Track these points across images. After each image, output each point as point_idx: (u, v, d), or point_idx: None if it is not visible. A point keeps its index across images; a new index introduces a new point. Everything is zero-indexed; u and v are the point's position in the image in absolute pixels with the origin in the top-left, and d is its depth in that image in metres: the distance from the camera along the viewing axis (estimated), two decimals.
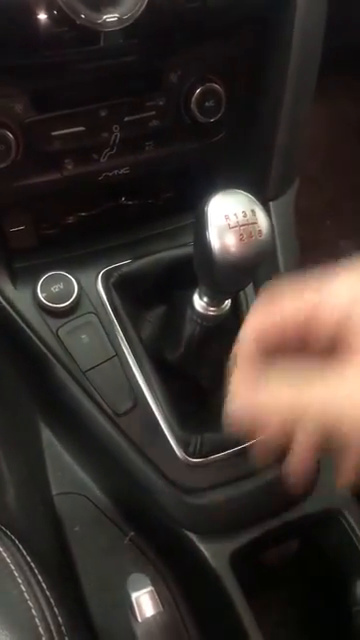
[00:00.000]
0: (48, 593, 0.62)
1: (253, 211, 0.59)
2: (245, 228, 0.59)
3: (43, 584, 0.62)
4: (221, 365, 0.79)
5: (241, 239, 0.59)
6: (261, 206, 0.61)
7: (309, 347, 0.46)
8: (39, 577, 0.62)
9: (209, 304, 0.72)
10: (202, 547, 0.76)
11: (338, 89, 1.71)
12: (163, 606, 0.65)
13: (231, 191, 0.61)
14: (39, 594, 0.61)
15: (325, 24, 0.80)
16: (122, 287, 0.82)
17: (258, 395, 0.45)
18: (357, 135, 1.83)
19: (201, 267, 0.64)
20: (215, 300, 0.72)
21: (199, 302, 0.72)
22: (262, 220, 0.59)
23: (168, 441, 0.77)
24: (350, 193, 1.77)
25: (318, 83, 0.83)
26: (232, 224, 0.59)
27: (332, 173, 1.77)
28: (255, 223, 0.59)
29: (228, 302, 0.73)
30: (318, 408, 0.42)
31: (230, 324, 0.76)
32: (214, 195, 0.61)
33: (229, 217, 0.59)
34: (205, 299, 0.72)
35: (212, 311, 0.72)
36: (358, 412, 0.40)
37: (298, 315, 0.45)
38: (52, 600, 0.61)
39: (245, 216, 0.59)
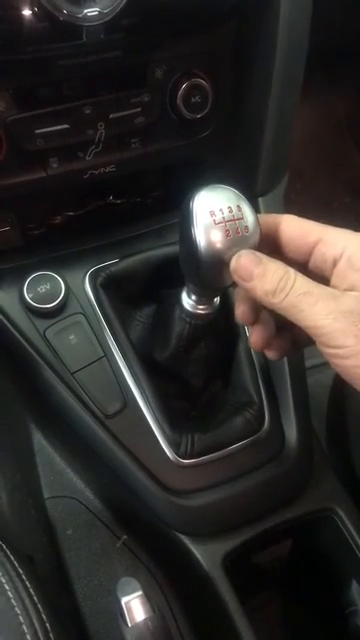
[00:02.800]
0: (36, 599, 0.60)
1: (239, 206, 0.58)
2: (231, 224, 0.58)
3: (31, 590, 0.61)
4: (211, 363, 0.79)
5: (227, 235, 0.58)
6: (247, 201, 0.59)
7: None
8: (27, 583, 0.61)
9: (197, 302, 0.71)
10: (194, 549, 0.75)
11: (325, 86, 1.71)
12: (154, 610, 0.64)
13: (217, 186, 0.60)
14: (27, 601, 0.60)
15: (311, 19, 0.79)
16: (110, 286, 0.81)
17: (265, 259, 0.56)
18: (347, 130, 1.83)
19: (187, 264, 0.63)
20: (203, 298, 0.71)
21: (187, 300, 0.72)
22: (248, 215, 0.58)
23: (158, 442, 0.76)
24: (341, 189, 1.77)
25: (306, 81, 0.82)
26: (218, 220, 0.58)
27: (323, 170, 1.77)
28: (241, 219, 0.58)
29: (217, 299, 0.72)
30: (299, 301, 0.53)
31: (219, 322, 0.75)
32: (199, 191, 0.59)
33: (215, 213, 0.58)
34: (193, 297, 0.71)
35: (201, 309, 0.72)
36: (327, 331, 0.52)
37: (302, 237, 0.58)
38: (40, 607, 0.60)
39: (231, 212, 0.58)
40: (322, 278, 0.57)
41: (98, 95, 0.74)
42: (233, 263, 0.57)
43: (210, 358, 0.77)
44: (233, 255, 0.58)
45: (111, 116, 0.75)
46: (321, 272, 0.57)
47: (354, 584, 0.81)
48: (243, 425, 0.77)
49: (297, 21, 0.76)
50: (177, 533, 0.76)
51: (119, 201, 0.90)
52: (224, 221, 0.58)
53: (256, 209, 0.87)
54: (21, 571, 0.63)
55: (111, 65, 0.72)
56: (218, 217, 0.58)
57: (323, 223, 0.59)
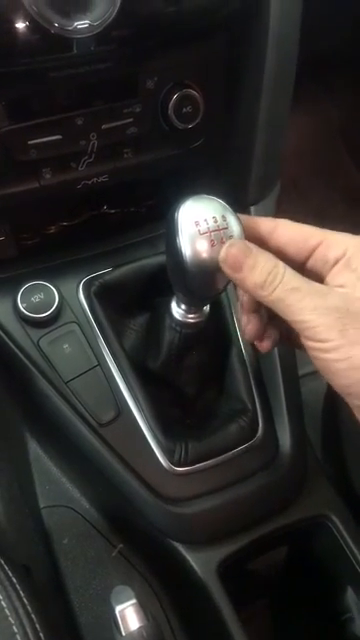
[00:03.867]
0: (30, 609, 0.60)
1: (224, 216, 0.59)
2: (216, 234, 0.58)
3: (25, 600, 0.61)
4: (203, 371, 0.79)
5: (212, 245, 0.58)
6: (233, 211, 0.60)
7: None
8: (21, 593, 0.61)
9: (187, 311, 0.72)
10: (189, 557, 0.75)
11: (320, 95, 1.72)
12: (149, 618, 0.64)
13: (202, 197, 0.60)
14: (21, 611, 0.60)
15: (300, 29, 0.80)
16: (104, 295, 0.82)
17: (256, 250, 0.57)
18: (341, 139, 1.84)
19: (174, 274, 0.63)
20: (192, 307, 0.71)
21: (177, 309, 0.72)
22: (233, 225, 0.59)
23: (152, 450, 0.76)
24: (336, 198, 1.77)
25: (300, 90, 0.83)
26: (203, 230, 0.58)
27: (318, 178, 1.78)
28: (226, 228, 0.58)
29: (207, 308, 0.72)
30: (287, 295, 0.54)
31: (210, 330, 0.76)
32: (184, 201, 0.60)
33: (199, 223, 0.58)
34: (183, 306, 0.71)
35: (190, 318, 0.72)
36: (313, 324, 0.53)
37: (303, 240, 0.59)
38: (34, 616, 0.60)
39: (216, 222, 0.58)
40: (318, 277, 0.58)
41: (90, 106, 0.74)
42: (223, 252, 0.58)
43: (202, 366, 0.78)
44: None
45: (103, 127, 0.75)
46: (319, 272, 0.58)
47: (349, 591, 0.81)
48: (237, 432, 0.77)
49: (286, 32, 0.77)
50: (172, 541, 0.76)
51: (113, 211, 0.91)
52: (209, 231, 0.58)
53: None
54: (15, 580, 0.63)
55: (103, 76, 0.73)
56: (203, 227, 0.58)
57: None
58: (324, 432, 0.94)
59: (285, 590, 0.89)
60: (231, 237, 0.58)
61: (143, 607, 0.64)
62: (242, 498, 0.76)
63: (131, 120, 0.76)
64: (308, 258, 0.59)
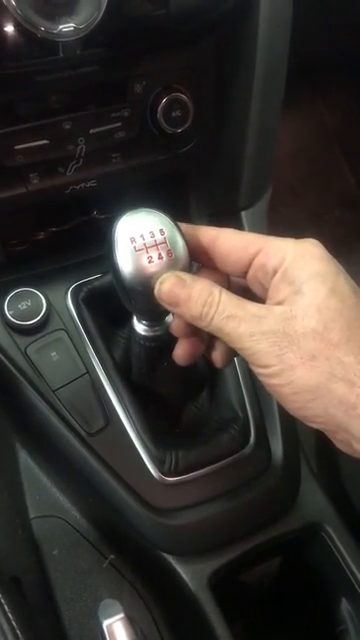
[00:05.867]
0: (14, 623, 0.59)
1: (162, 230, 0.57)
2: (153, 249, 0.56)
3: (9, 614, 0.60)
4: (181, 383, 0.77)
5: (150, 261, 0.56)
6: (174, 223, 0.58)
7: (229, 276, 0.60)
8: (5, 607, 0.60)
9: (147, 325, 0.68)
10: (180, 569, 0.74)
11: (314, 100, 1.72)
12: (137, 633, 0.63)
13: (140, 210, 0.58)
14: (5, 626, 0.59)
15: (294, 33, 0.79)
16: (92, 302, 0.81)
17: (190, 280, 0.56)
18: (336, 144, 1.84)
19: (119, 292, 0.61)
20: (149, 321, 0.68)
21: (137, 323, 0.69)
22: (172, 238, 0.57)
23: (142, 460, 0.75)
24: (331, 202, 1.77)
25: (295, 95, 0.82)
26: (138, 247, 0.56)
27: (313, 183, 1.77)
28: (164, 243, 0.56)
29: (169, 318, 0.68)
30: (224, 325, 0.53)
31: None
32: (120, 217, 0.58)
33: (135, 239, 0.56)
34: (143, 321, 0.68)
35: (152, 331, 0.69)
36: (254, 350, 0.52)
37: (243, 248, 0.57)
38: (18, 631, 0.58)
39: (153, 237, 0.56)
40: (262, 289, 0.56)
41: (78, 110, 0.73)
42: (156, 290, 0.56)
43: (177, 378, 0.75)
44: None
45: (91, 131, 0.74)
46: (262, 283, 0.56)
47: (344, 602, 0.80)
48: (228, 441, 0.76)
49: (276, 36, 0.76)
50: (162, 552, 0.75)
51: (103, 216, 0.90)
52: (145, 247, 0.56)
53: (239, 223, 0.87)
54: (0, 594, 0.61)
55: (90, 80, 0.72)
56: (139, 243, 0.56)
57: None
58: (317, 439, 0.92)
59: (278, 602, 0.88)
60: (169, 252, 0.56)
61: (132, 621, 0.63)
62: (234, 508, 0.75)
63: (119, 124, 0.75)
64: (249, 267, 0.57)
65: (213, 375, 0.81)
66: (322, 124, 1.84)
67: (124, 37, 0.67)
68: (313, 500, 0.80)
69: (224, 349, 0.62)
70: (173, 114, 0.76)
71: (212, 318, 0.53)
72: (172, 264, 0.57)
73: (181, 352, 0.64)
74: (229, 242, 0.58)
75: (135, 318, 0.69)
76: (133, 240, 0.56)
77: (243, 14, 0.74)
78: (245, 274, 0.58)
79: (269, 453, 0.79)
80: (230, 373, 0.80)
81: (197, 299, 0.54)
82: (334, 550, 0.78)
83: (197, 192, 0.86)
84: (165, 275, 0.56)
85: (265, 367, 0.52)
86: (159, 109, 0.75)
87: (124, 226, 0.57)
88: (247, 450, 0.77)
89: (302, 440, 0.84)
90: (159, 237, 0.56)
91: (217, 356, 0.63)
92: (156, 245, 0.56)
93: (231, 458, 0.76)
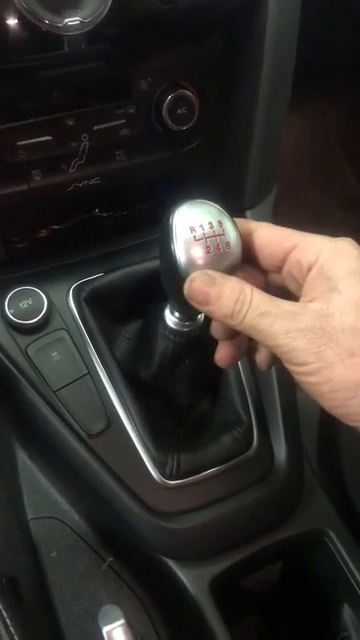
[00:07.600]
0: (10, 624, 0.58)
1: (220, 222, 0.56)
2: (212, 240, 0.56)
3: (8, 620, 0.59)
4: (197, 381, 0.77)
5: (208, 251, 0.56)
6: (230, 217, 0.58)
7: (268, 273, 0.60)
8: (3, 613, 0.59)
9: (180, 319, 0.69)
10: (180, 573, 0.73)
11: (318, 100, 1.71)
12: (137, 639, 0.62)
13: (197, 202, 0.58)
14: (3, 631, 0.57)
15: (299, 34, 0.78)
16: (95, 301, 0.79)
17: (220, 278, 0.55)
18: (339, 145, 1.83)
19: (168, 281, 0.61)
20: (186, 315, 0.69)
21: (170, 317, 0.70)
22: (230, 231, 0.56)
23: (143, 463, 0.74)
24: (333, 203, 1.76)
25: (298, 95, 0.81)
26: (198, 236, 0.56)
27: (315, 184, 1.76)
28: (222, 235, 0.56)
29: (201, 316, 0.70)
30: (257, 322, 0.52)
31: (204, 338, 0.73)
32: (179, 206, 0.57)
33: (195, 229, 0.56)
34: (177, 314, 0.69)
35: (184, 326, 0.70)
36: (289, 347, 0.50)
37: (278, 242, 0.56)
38: (12, 630, 0.57)
39: (212, 227, 0.56)
40: (297, 284, 0.56)
41: (82, 106, 0.72)
42: (186, 287, 0.56)
43: (196, 376, 0.75)
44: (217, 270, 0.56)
45: (95, 128, 0.73)
46: (296, 278, 0.56)
47: (346, 608, 0.79)
48: (231, 444, 0.75)
49: (284, 35, 0.75)
50: (162, 557, 0.74)
51: (105, 214, 0.89)
52: (204, 237, 0.56)
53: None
54: None
55: (95, 76, 0.71)
56: (198, 233, 0.56)
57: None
58: (321, 443, 0.91)
59: (280, 607, 0.87)
60: (227, 244, 0.56)
61: (132, 627, 0.62)
62: (236, 512, 0.74)
63: (124, 121, 0.74)
64: (284, 262, 0.57)
65: (217, 377, 0.80)
66: (325, 125, 1.83)
67: (130, 32, 0.66)
68: (316, 505, 0.79)
69: (268, 351, 0.62)
70: (178, 111, 0.75)
71: (244, 316, 0.52)
72: (229, 255, 0.56)
73: (221, 355, 0.64)
74: (266, 235, 0.58)
75: (168, 311, 0.69)
76: (193, 229, 0.56)
77: (251, 11, 0.73)
78: (280, 269, 0.57)
79: (272, 456, 0.78)
80: (233, 375, 0.79)
81: (228, 297, 0.53)
82: (337, 556, 0.77)
83: (201, 191, 0.85)
84: (195, 273, 0.55)
85: (302, 365, 0.51)
86: (164, 106, 0.74)
87: (183, 215, 0.57)
88: (250, 453, 0.76)
89: (305, 442, 0.83)
90: (218, 229, 0.56)
91: (261, 359, 0.63)
92: (215, 236, 0.56)
93: (233, 461, 0.75)
